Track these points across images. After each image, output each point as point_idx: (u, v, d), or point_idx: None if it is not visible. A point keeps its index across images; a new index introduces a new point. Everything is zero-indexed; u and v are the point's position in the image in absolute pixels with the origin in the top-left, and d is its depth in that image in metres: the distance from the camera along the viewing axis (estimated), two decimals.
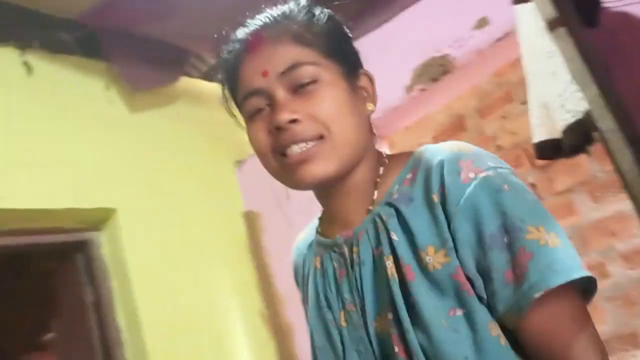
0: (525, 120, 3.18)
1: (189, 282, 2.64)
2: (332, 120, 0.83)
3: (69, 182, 2.37)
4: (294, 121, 0.83)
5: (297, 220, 2.89)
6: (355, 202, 0.90)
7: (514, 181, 0.78)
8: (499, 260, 0.74)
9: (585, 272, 0.73)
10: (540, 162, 3.14)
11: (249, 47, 0.87)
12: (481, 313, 0.75)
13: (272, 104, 0.85)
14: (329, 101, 0.84)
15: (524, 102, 3.19)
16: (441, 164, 0.79)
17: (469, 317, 0.75)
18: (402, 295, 0.78)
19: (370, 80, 0.94)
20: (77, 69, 2.59)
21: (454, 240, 0.76)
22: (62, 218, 2.39)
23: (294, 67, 0.84)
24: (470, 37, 2.26)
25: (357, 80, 0.91)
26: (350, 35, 0.97)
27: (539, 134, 1.76)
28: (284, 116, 0.83)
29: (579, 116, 1.59)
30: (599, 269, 2.94)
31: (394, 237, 0.81)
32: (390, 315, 0.80)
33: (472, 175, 0.76)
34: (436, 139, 3.64)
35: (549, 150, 1.76)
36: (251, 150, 3.04)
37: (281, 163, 0.88)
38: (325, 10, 0.93)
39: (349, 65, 0.91)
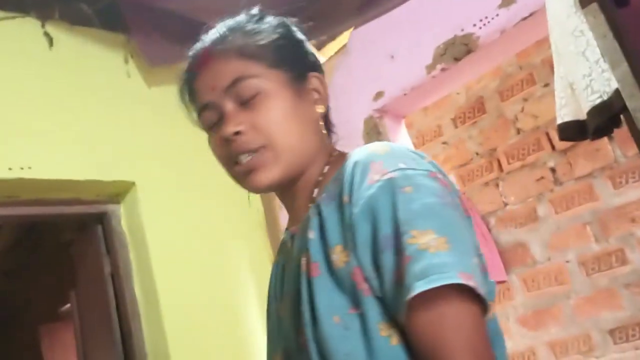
0: (546, 104, 3.15)
1: (206, 255, 2.66)
2: (274, 130, 0.88)
3: (89, 154, 2.39)
4: (238, 133, 0.89)
5: None
6: (304, 199, 0.94)
7: (421, 183, 0.77)
8: (389, 262, 0.75)
9: (456, 280, 0.70)
10: (561, 146, 3.11)
11: (199, 63, 0.94)
12: (373, 313, 0.76)
13: (221, 116, 0.91)
14: (271, 112, 0.89)
15: (546, 85, 3.15)
16: (354, 165, 0.82)
17: (362, 317, 0.77)
18: (308, 291, 0.82)
19: (321, 81, 0.97)
20: (96, 41, 2.60)
21: (354, 240, 0.78)
22: (82, 190, 2.41)
23: (237, 81, 0.89)
24: (496, 15, 2.22)
25: (306, 83, 0.95)
26: (301, 39, 1.00)
27: (564, 115, 1.73)
28: (229, 129, 0.89)
29: (605, 97, 1.56)
30: (618, 255, 2.92)
31: (310, 235, 0.85)
32: (299, 309, 0.84)
33: (377, 177, 0.78)
34: (455, 121, 3.60)
35: (573, 132, 1.73)
36: None
37: (236, 171, 0.93)
38: (275, 18, 0.97)
39: (297, 70, 0.94)
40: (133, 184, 2.52)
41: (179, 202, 2.66)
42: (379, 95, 2.66)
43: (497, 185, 3.40)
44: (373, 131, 2.69)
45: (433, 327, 0.71)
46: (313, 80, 0.96)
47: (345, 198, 0.81)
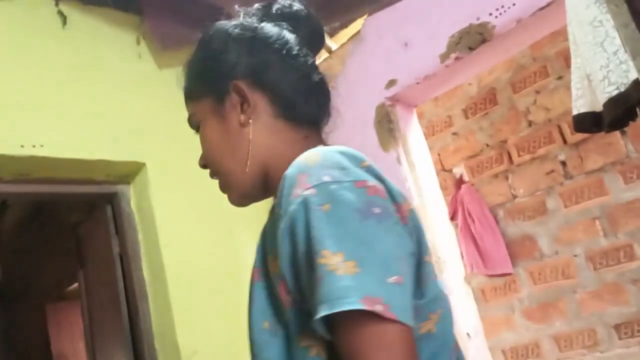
0: (559, 96, 3.13)
1: (214, 238, 2.67)
2: (212, 160, 0.98)
3: (100, 134, 2.39)
4: (204, 166, 1.02)
5: None
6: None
7: (341, 199, 0.73)
8: (306, 279, 0.74)
9: (356, 306, 0.67)
10: (572, 139, 3.09)
11: None
12: (293, 324, 0.77)
13: None
14: (207, 144, 0.98)
15: (560, 78, 3.13)
16: (284, 179, 0.80)
17: (285, 326, 0.79)
18: (251, 294, 0.87)
19: (239, 89, 0.94)
20: (109, 21, 2.59)
21: (280, 254, 0.77)
22: (93, 169, 2.42)
23: (189, 120, 1.02)
24: (512, 4, 2.20)
25: (227, 99, 0.95)
26: (218, 49, 0.97)
27: (580, 106, 1.71)
28: (199, 163, 1.03)
29: (622, 89, 1.55)
30: (626, 251, 2.91)
31: (260, 241, 0.91)
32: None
33: (299, 191, 0.75)
34: (465, 112, 3.59)
35: (588, 124, 1.72)
36: None
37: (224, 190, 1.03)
38: (195, 52, 1.02)
39: (216, 91, 0.95)
40: (143, 165, 2.52)
41: (188, 184, 2.66)
42: (391, 83, 2.65)
43: (507, 177, 3.39)
44: (384, 119, 2.68)
45: (349, 346, 0.70)
46: (234, 93, 0.94)
47: (277, 209, 0.81)
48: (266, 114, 0.94)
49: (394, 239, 0.75)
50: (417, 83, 2.58)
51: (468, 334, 2.45)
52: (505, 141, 3.39)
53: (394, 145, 2.64)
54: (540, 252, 3.23)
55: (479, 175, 3.50)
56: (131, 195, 2.59)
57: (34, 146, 2.15)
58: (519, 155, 3.34)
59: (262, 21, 0.98)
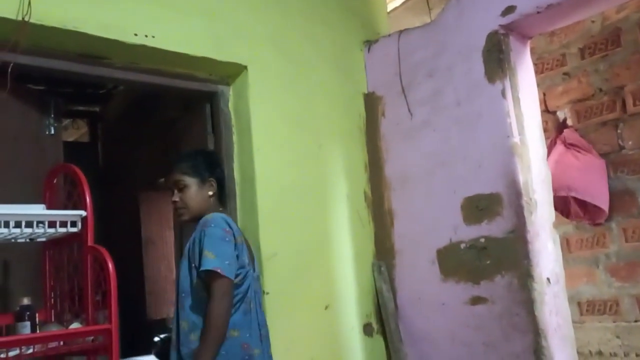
0: None
1: (305, 148, 2.71)
2: (187, 202, 2.05)
3: (208, 33, 2.43)
4: (175, 202, 2.07)
5: (419, 111, 2.82)
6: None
7: (212, 232, 1.91)
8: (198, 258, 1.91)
9: (211, 268, 1.83)
10: None
11: (170, 170, 2.10)
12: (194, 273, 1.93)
13: (173, 193, 2.08)
14: (186, 195, 2.05)
15: None
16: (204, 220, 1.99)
17: (191, 274, 1.94)
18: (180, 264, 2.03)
19: (213, 182, 2.11)
20: None
21: (195, 250, 1.94)
22: (197, 66, 2.48)
23: (177, 182, 2.06)
24: None
25: (206, 182, 2.09)
26: (207, 164, 2.12)
27: None
28: (172, 199, 2.07)
29: None
30: None
31: (189, 243, 1.98)
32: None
33: (205, 227, 1.93)
34: (582, 51, 3.32)
35: None
36: (382, 32, 3.02)
37: (174, 215, 2.19)
38: (196, 153, 2.18)
39: (201, 177, 2.08)
40: (245, 67, 2.55)
41: (286, 92, 2.69)
42: (509, 10, 2.48)
43: (616, 126, 3.16)
44: (495, 48, 2.54)
45: (209, 284, 1.83)
46: (210, 181, 2.10)
47: (197, 234, 1.95)
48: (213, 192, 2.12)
49: (230, 248, 1.90)
50: (538, 12, 2.40)
51: (548, 279, 2.39)
52: (621, 87, 3.14)
53: (501, 77, 2.51)
54: (639, 209, 3.05)
55: (585, 120, 3.29)
56: (230, 96, 2.65)
57: (146, 36, 2.22)
58: (634, 105, 3.09)
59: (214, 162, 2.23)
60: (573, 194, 3.10)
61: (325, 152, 2.80)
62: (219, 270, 1.81)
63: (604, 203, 3.09)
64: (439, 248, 2.68)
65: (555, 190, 2.69)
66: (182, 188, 2.03)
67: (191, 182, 2.04)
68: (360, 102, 3.05)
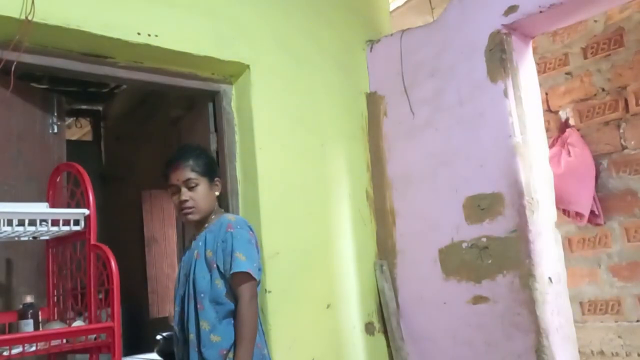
0: None
1: (307, 147, 2.71)
2: (198, 201, 2.02)
3: (211, 32, 2.44)
4: (185, 201, 2.01)
5: (421, 111, 2.83)
6: (203, 226, 2.08)
7: (241, 233, 1.98)
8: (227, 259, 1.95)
9: (245, 270, 1.90)
10: None
11: (172, 166, 2.05)
12: (215, 274, 1.95)
13: (179, 192, 2.02)
14: (198, 193, 2.02)
15: None
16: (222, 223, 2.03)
17: (211, 274, 1.95)
18: (194, 265, 2.00)
19: (219, 182, 2.12)
20: None
21: (217, 249, 1.97)
22: (199, 65, 2.48)
23: (188, 180, 2.01)
24: None
25: (214, 182, 2.08)
26: (214, 162, 2.22)
27: None
28: (182, 198, 2.01)
29: None
30: None
31: (200, 242, 2.02)
32: (190, 272, 2.04)
33: (230, 230, 1.97)
34: (585, 51, 3.32)
35: None
36: (384, 31, 3.03)
37: (181, 213, 2.07)
38: (201, 151, 2.15)
39: (210, 176, 2.06)
40: (247, 67, 2.56)
41: (288, 92, 2.69)
42: (511, 9, 2.48)
43: (619, 126, 3.16)
44: (497, 48, 2.54)
45: (240, 285, 1.89)
46: (217, 181, 2.10)
47: (220, 234, 1.97)
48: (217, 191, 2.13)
49: (255, 251, 1.98)
50: (541, 12, 2.40)
51: (550, 279, 2.40)
52: (624, 87, 3.14)
53: (503, 76, 2.51)
54: None
55: (587, 120, 3.29)
56: (233, 95, 2.65)
57: (149, 35, 2.23)
58: (637, 104, 3.09)
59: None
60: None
61: (327, 152, 2.81)
62: (250, 272, 1.87)
63: (581, 207, 3.08)
64: (441, 247, 2.69)
65: None
66: (193, 187, 1.99)
67: (202, 180, 2.01)
68: (363, 102, 3.06)
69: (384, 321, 2.83)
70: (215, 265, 1.92)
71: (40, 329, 1.78)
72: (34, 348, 1.62)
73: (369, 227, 2.94)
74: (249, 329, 1.84)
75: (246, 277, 1.87)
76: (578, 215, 3.14)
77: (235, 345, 1.85)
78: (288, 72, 2.71)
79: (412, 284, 2.80)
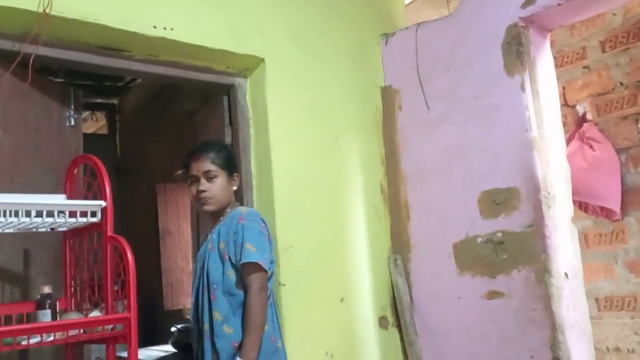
0: None
1: (322, 141, 2.71)
2: (215, 193, 2.05)
3: (225, 25, 2.44)
4: (203, 191, 2.04)
5: (436, 104, 2.81)
6: (218, 219, 2.10)
7: (252, 225, 1.99)
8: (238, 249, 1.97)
9: (255, 260, 1.91)
10: None
11: (194, 157, 2.08)
12: (227, 265, 1.97)
13: (197, 182, 2.06)
14: (216, 185, 2.05)
15: None
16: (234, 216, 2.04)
17: (223, 265, 1.97)
18: (208, 256, 2.03)
19: (237, 177, 2.14)
20: None
21: (229, 241, 1.99)
22: (215, 58, 2.49)
23: (208, 172, 2.04)
24: None
25: (232, 176, 2.11)
26: (234, 157, 2.24)
27: None
28: (200, 188, 2.04)
29: None
30: None
31: (214, 235, 2.05)
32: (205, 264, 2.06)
33: (241, 221, 1.98)
34: (603, 45, 3.28)
35: None
36: (400, 25, 3.01)
37: (198, 204, 2.11)
38: (223, 146, 2.21)
39: (229, 171, 2.09)
40: (263, 60, 2.56)
41: (303, 85, 2.69)
42: (529, 2, 2.46)
43: (637, 121, 3.12)
44: (514, 41, 2.51)
45: (249, 276, 1.90)
46: (235, 176, 2.13)
47: (232, 226, 1.99)
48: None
49: (267, 243, 1.99)
50: (559, 4, 2.38)
51: (566, 274, 2.38)
52: None
53: (520, 70, 2.48)
54: None
55: (605, 115, 3.25)
56: (247, 88, 2.66)
57: (164, 28, 2.24)
58: None
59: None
60: (577, 198, 3.07)
61: (341, 145, 2.80)
62: (260, 263, 1.89)
63: (611, 203, 3.05)
64: (455, 242, 2.67)
65: None
66: (212, 178, 2.03)
67: (222, 173, 2.04)
68: (377, 95, 3.05)
69: (398, 315, 2.83)
70: (227, 257, 1.95)
71: (58, 319, 1.80)
72: (51, 338, 1.64)
73: (383, 221, 2.93)
74: (257, 319, 1.85)
75: (255, 267, 1.89)
76: (604, 211, 3.10)
77: (242, 334, 1.86)
78: (303, 66, 2.71)
79: (426, 279, 2.80)
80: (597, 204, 3.08)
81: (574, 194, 2.68)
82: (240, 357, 1.80)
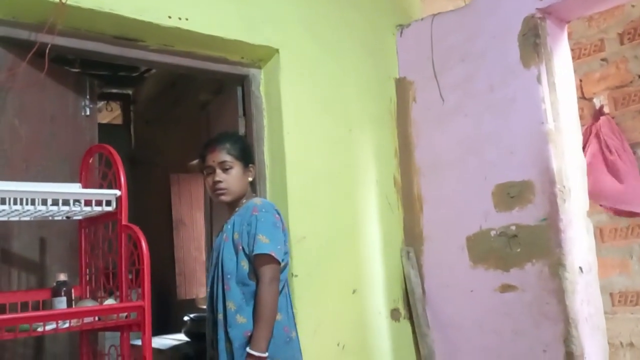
0: None
1: (335, 133, 2.71)
2: (230, 183, 2.05)
3: (240, 15, 2.44)
4: (219, 182, 2.04)
5: (451, 96, 2.79)
6: (234, 210, 2.10)
7: (266, 216, 1.99)
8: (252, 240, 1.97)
9: (268, 252, 1.92)
10: None
11: (209, 148, 2.08)
12: (240, 255, 1.98)
13: (213, 172, 2.06)
14: (231, 176, 2.05)
15: None
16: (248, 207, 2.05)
17: (237, 256, 1.98)
18: (223, 246, 2.04)
19: (254, 168, 2.15)
20: None
21: (243, 232, 2.00)
22: (229, 49, 2.49)
23: (223, 162, 2.04)
24: None
25: (248, 167, 2.11)
26: (250, 148, 2.25)
27: None
28: (216, 179, 2.04)
29: None
30: None
31: (229, 226, 2.05)
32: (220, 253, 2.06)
33: (255, 213, 1.99)
34: (622, 37, 3.23)
35: None
36: (415, 16, 2.98)
37: (214, 194, 2.10)
38: (239, 137, 2.32)
39: (245, 162, 2.09)
40: (277, 51, 2.56)
41: (317, 76, 2.68)
42: None
43: None
44: (531, 33, 2.48)
45: (261, 267, 1.91)
46: (251, 167, 2.13)
47: (246, 217, 2.00)
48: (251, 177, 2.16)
49: (280, 234, 1.99)
50: None
51: (580, 268, 2.36)
52: None
53: (536, 62, 2.46)
54: None
55: (623, 108, 3.20)
56: (261, 79, 2.66)
57: (179, 18, 2.24)
58: None
59: None
60: (603, 203, 3.04)
61: (355, 137, 2.80)
62: (273, 254, 1.90)
63: (638, 206, 3.01)
64: (469, 235, 2.66)
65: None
66: (227, 169, 2.03)
67: (237, 164, 2.05)
68: (392, 87, 3.03)
69: (410, 308, 2.83)
70: (241, 247, 1.96)
71: (73, 306, 1.82)
72: (67, 325, 1.66)
73: (396, 213, 2.92)
74: (267, 310, 1.85)
75: (267, 259, 1.90)
76: (629, 212, 3.07)
77: (253, 325, 1.87)
78: (317, 57, 2.70)
79: (439, 271, 2.79)
80: (626, 209, 3.04)
81: (598, 198, 2.65)
82: (250, 349, 1.81)
